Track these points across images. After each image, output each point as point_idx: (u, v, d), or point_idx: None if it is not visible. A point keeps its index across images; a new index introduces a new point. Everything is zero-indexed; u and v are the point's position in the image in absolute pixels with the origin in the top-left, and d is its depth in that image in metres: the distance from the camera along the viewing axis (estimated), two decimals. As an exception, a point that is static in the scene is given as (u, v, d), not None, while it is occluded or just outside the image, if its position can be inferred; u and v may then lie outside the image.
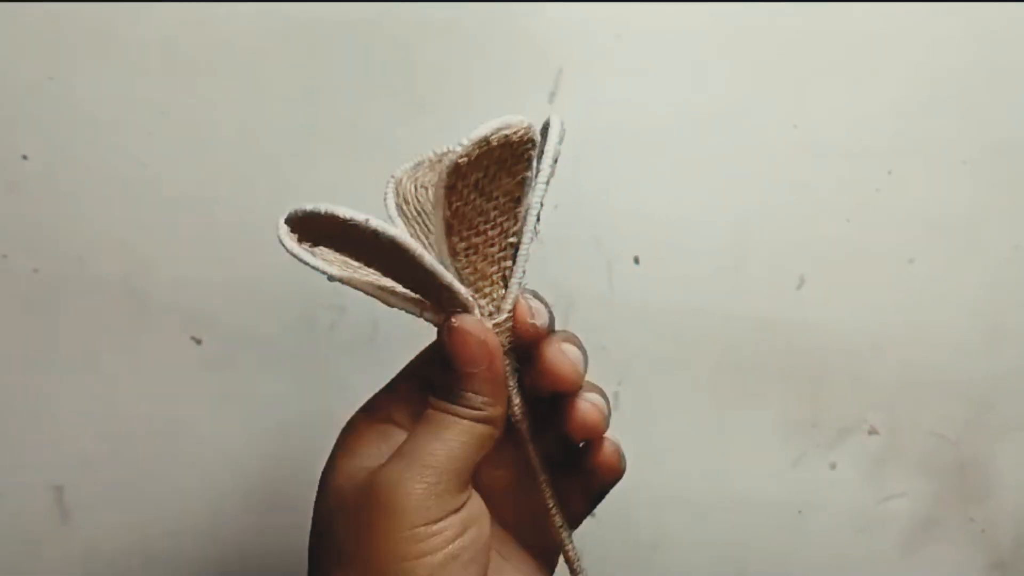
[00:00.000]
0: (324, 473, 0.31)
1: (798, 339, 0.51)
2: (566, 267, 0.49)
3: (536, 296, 0.31)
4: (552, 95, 0.48)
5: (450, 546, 0.28)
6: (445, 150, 0.33)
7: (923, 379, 0.52)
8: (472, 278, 0.30)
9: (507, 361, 0.30)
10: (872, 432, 0.53)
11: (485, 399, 0.30)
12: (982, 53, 0.49)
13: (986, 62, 0.49)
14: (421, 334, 0.36)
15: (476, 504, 0.31)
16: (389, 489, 0.28)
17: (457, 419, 0.30)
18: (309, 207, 0.26)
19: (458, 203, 0.27)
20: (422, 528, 0.28)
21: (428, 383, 0.31)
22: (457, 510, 0.29)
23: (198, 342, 0.49)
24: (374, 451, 0.30)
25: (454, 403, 0.30)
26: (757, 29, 0.48)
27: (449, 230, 0.28)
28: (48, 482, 0.50)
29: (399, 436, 0.31)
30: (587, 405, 0.31)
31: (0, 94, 0.46)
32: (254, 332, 0.49)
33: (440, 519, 0.29)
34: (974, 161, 0.50)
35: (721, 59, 0.48)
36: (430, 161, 0.33)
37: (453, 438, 0.29)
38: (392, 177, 0.32)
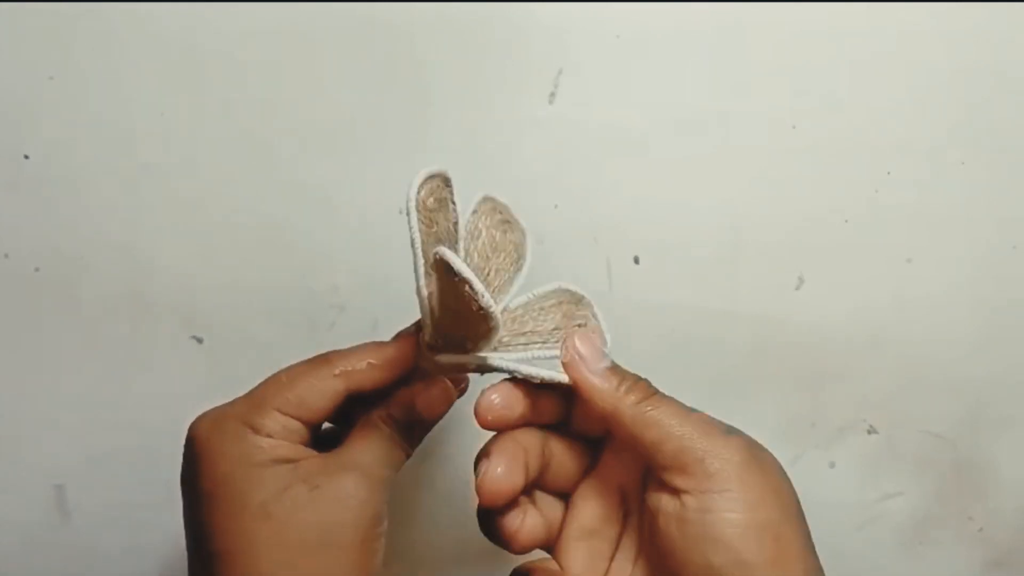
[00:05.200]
0: None
1: (797, 339, 0.51)
2: (565, 266, 0.49)
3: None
4: (552, 95, 0.48)
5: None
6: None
7: (921, 378, 0.52)
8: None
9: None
10: (871, 431, 0.53)
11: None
12: (982, 53, 0.49)
13: (986, 62, 0.49)
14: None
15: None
16: None
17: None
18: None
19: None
20: None
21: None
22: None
23: (199, 341, 0.50)
24: None
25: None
26: (757, 29, 0.48)
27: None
28: (48, 481, 0.50)
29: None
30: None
31: (0, 94, 0.47)
32: (255, 331, 0.49)
33: None
34: (972, 161, 0.50)
35: (720, 59, 0.48)
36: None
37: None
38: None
